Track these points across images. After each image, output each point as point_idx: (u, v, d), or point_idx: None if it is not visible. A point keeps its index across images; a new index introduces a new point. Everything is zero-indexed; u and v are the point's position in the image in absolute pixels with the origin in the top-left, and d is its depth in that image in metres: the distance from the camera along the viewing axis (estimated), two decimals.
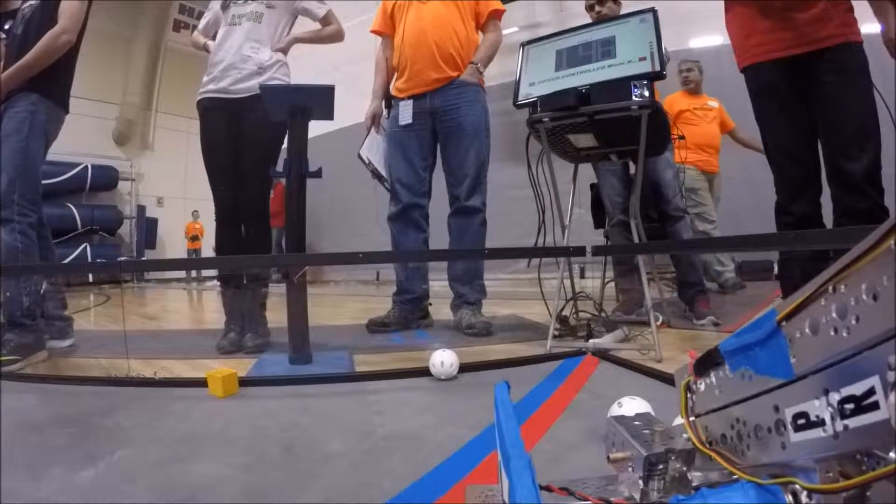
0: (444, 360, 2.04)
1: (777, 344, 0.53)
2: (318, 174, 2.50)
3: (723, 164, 5.13)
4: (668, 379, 1.88)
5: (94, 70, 10.07)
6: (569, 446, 1.32)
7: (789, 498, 0.55)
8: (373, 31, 3.52)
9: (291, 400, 1.91)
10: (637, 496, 0.68)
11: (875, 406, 0.42)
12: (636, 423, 0.75)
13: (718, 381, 0.64)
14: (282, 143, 2.85)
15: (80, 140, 9.09)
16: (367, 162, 3.35)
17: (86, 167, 10.37)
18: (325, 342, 2.69)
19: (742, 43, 2.49)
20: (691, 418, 0.70)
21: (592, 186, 3.55)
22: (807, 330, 0.49)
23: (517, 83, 2.84)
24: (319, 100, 2.48)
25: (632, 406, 1.28)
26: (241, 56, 2.89)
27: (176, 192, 12.86)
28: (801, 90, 2.35)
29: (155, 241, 12.42)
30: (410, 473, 1.18)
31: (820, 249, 2.28)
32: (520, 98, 2.78)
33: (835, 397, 0.46)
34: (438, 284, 3.55)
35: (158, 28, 12.87)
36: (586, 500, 0.70)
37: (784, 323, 0.53)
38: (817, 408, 0.48)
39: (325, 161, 2.57)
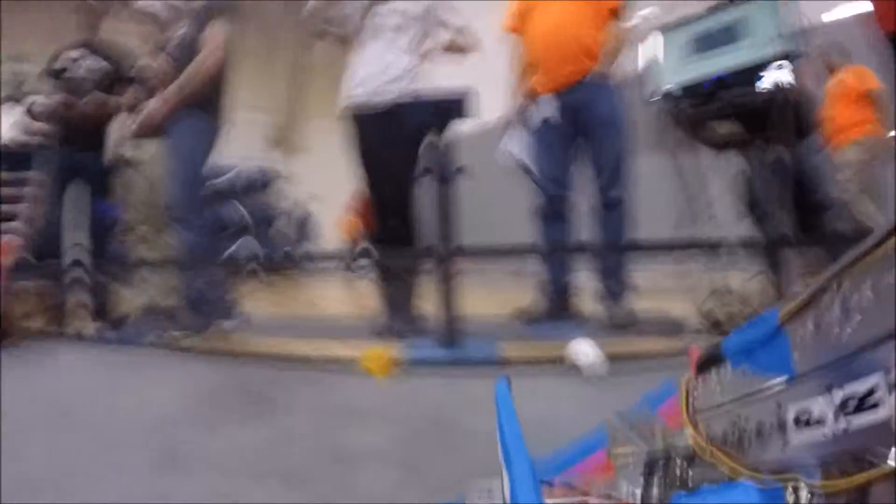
0: (586, 352, 2.10)
1: (779, 342, 0.53)
2: (463, 171, 2.62)
3: None
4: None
5: (250, 82, 10.74)
6: None
7: (790, 496, 0.54)
8: (505, 30, 3.55)
9: (441, 380, 2.06)
10: (638, 493, 0.68)
11: (877, 405, 0.43)
12: (638, 419, 0.75)
13: (720, 379, 0.64)
14: (422, 143, 2.95)
15: (240, 145, 9.79)
16: (512, 156, 3.39)
17: (245, 168, 11.19)
18: (472, 330, 2.73)
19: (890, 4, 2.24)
20: (693, 415, 0.69)
21: (743, 176, 3.44)
22: (809, 329, 0.50)
23: (654, 71, 2.77)
24: (459, 104, 2.64)
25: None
26: (382, 62, 3.05)
27: (326, 189, 13.64)
28: None
29: (308, 235, 13.28)
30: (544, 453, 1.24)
31: None
32: (653, 86, 2.74)
33: (837, 396, 0.46)
34: (583, 276, 3.52)
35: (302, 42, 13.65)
36: (588, 496, 0.71)
37: (786, 322, 0.53)
38: (819, 406, 0.49)
39: (465, 158, 2.70)
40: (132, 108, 3.80)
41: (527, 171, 3.41)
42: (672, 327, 2.92)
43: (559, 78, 3.22)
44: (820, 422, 0.48)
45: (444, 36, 3.28)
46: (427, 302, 3.05)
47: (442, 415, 1.61)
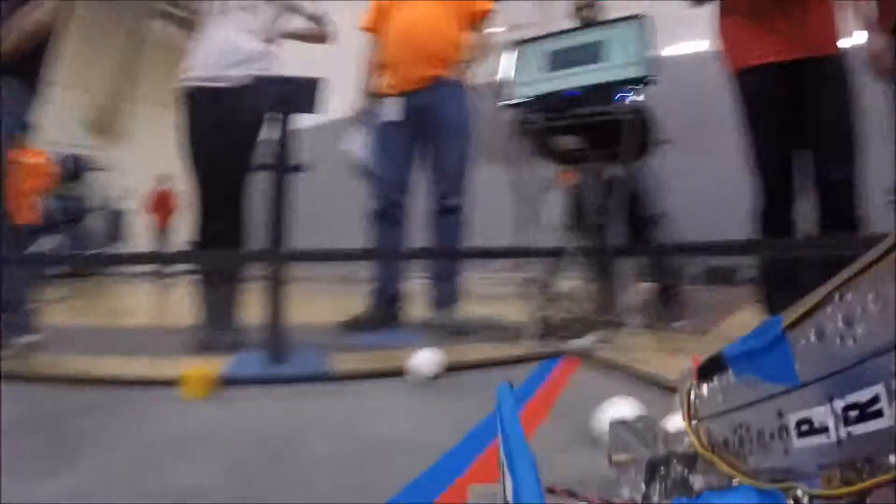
0: (426, 360, 2.02)
1: (782, 350, 0.53)
2: (302, 168, 2.45)
3: (690, 167, 5.19)
4: (649, 379, 1.91)
5: (71, 58, 9.79)
6: (556, 449, 1.31)
7: (791, 501, 0.55)
8: (363, 28, 3.49)
9: (270, 401, 1.88)
10: (639, 499, 0.68)
11: (879, 413, 0.42)
12: (639, 425, 0.75)
13: (722, 386, 0.64)
14: (259, 134, 2.81)
15: (52, 126, 8.90)
16: (353, 157, 3.33)
17: (56, 154, 10.15)
18: (301, 340, 2.57)
19: (736, 47, 2.52)
20: (694, 422, 0.69)
21: (572, 189, 3.51)
22: (812, 337, 0.49)
23: (508, 82, 2.85)
24: (307, 92, 2.43)
25: (622, 406, 1.27)
26: (228, 43, 2.84)
27: (149, 185, 12.74)
28: (789, 97, 2.37)
29: (121, 234, 12.24)
30: (399, 477, 1.16)
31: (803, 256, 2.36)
32: (507, 97, 2.80)
33: (839, 404, 0.46)
34: (415, 283, 3.53)
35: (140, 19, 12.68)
36: (589, 501, 0.70)
37: (789, 330, 0.53)
38: (821, 414, 0.48)
39: (304, 156, 2.54)
40: None
41: (365, 172, 3.35)
42: (508, 333, 2.95)
43: (409, 80, 3.19)
44: (822, 430, 0.49)
45: (297, 22, 3.12)
46: (253, 312, 2.79)
47: (275, 441, 1.45)
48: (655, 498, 0.67)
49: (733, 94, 2.62)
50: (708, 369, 0.67)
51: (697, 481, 0.67)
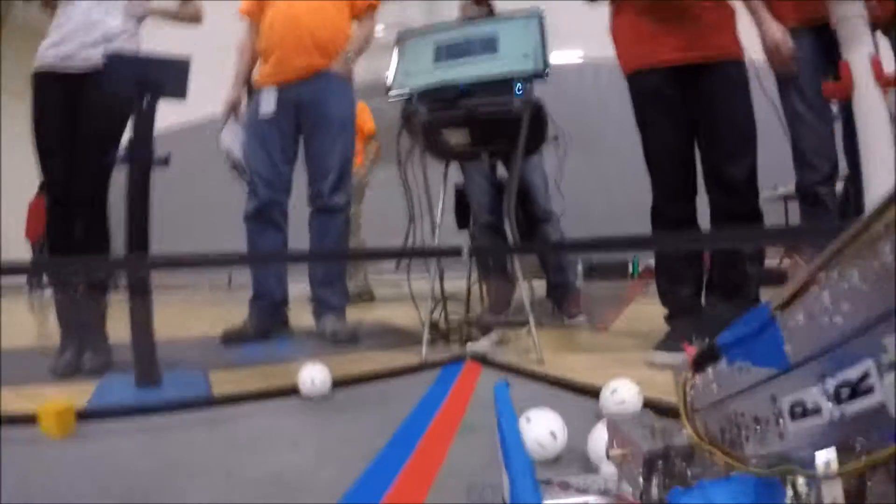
0: (314, 377, 1.84)
1: (771, 334, 0.54)
2: (165, 161, 2.26)
3: (579, 164, 5.34)
4: (555, 382, 1.88)
5: None
6: (479, 465, 1.18)
7: (789, 488, 0.55)
8: (241, 12, 3.35)
9: (139, 435, 1.64)
10: (637, 493, 0.69)
11: (870, 390, 0.43)
12: (634, 420, 0.76)
13: (715, 376, 0.65)
14: (126, 124, 2.57)
15: None
16: (227, 153, 3.15)
17: None
18: (176, 358, 2.44)
19: (630, 48, 2.54)
20: (690, 414, 0.70)
21: (457, 186, 3.51)
22: (801, 318, 0.50)
23: (392, 73, 2.75)
24: (173, 74, 2.25)
25: (541, 418, 1.21)
26: (88, 21, 2.59)
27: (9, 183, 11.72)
28: (684, 97, 2.43)
29: None
30: None
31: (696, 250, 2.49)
32: (394, 89, 2.70)
33: (830, 384, 0.47)
34: (297, 288, 3.41)
35: None
36: (586, 494, 0.71)
37: (778, 313, 0.53)
38: (814, 395, 0.49)
39: (178, 155, 2.38)
40: None
41: (240, 169, 3.20)
42: (400, 338, 2.98)
43: (287, 70, 3.09)
44: (815, 411, 0.49)
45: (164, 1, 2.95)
46: (118, 326, 2.54)
47: (145, 489, 1.24)
48: (654, 492, 0.67)
49: (630, 93, 2.66)
50: (702, 359, 0.67)
51: (695, 473, 0.68)
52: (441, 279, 2.95)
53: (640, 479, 0.67)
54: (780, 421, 0.53)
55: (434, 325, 2.84)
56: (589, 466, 0.86)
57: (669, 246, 2.62)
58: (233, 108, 3.24)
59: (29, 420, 1.70)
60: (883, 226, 0.40)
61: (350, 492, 1.12)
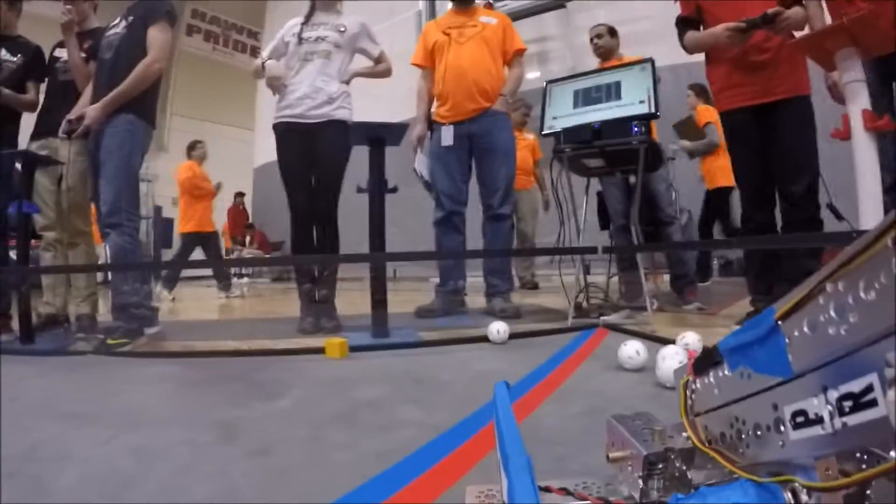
0: (499, 328, 2.48)
1: (775, 342, 0.51)
2: (394, 190, 2.82)
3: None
4: (661, 339, 2.25)
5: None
6: (596, 373, 1.88)
7: (789, 496, 0.53)
8: (414, 64, 3.83)
9: (394, 358, 2.31)
10: (637, 495, 0.65)
11: (873, 403, 0.40)
12: (636, 422, 0.73)
13: (717, 381, 0.62)
14: (347, 161, 3.21)
15: None
16: (420, 175, 3.67)
17: None
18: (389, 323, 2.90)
19: (722, 92, 2.87)
20: (691, 417, 0.68)
21: (598, 194, 3.83)
22: (805, 328, 0.48)
23: (542, 115, 3.30)
24: (394, 131, 2.82)
25: (632, 343, 1.85)
26: (314, 88, 3.18)
27: None
28: (762, 131, 2.74)
29: (171, 241, 12.94)
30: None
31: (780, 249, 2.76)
32: (545, 128, 3.25)
33: (833, 395, 0.44)
34: (472, 279, 3.90)
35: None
36: (585, 499, 0.69)
37: (782, 321, 0.51)
38: (816, 405, 0.46)
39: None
40: (34, 106, 3.54)
41: (429, 187, 3.68)
42: (552, 317, 3.35)
43: (461, 112, 3.53)
44: (816, 421, 0.46)
45: (367, 63, 3.47)
46: (350, 303, 3.27)
47: (412, 375, 1.95)
48: (653, 495, 0.65)
49: (722, 127, 2.99)
50: (703, 363, 0.65)
51: (695, 477, 0.65)
52: (586, 272, 3.23)
53: (640, 482, 0.65)
54: (782, 429, 0.51)
55: (578, 306, 3.19)
56: (589, 471, 0.83)
57: (746, 246, 3.05)
58: (419, 142, 3.70)
59: (311, 352, 2.37)
60: (890, 240, 0.39)
61: (515, 385, 1.61)
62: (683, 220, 4.05)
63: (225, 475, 1.11)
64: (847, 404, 0.43)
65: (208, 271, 8.85)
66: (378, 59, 3.46)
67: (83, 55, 3.31)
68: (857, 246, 0.42)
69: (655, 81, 2.98)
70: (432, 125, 3.72)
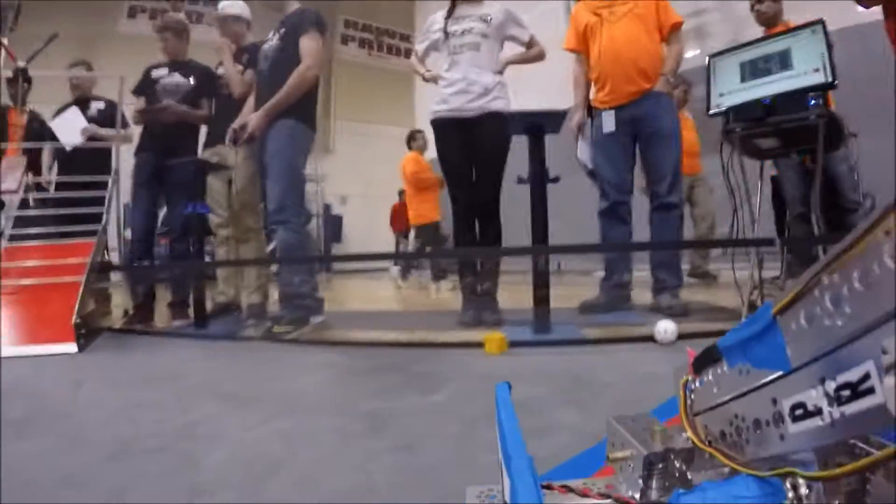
0: (667, 328, 2.37)
1: (773, 337, 0.52)
2: (556, 180, 2.77)
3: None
4: None
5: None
6: None
7: (789, 489, 0.54)
8: (567, 49, 3.69)
9: (554, 356, 2.31)
10: (637, 495, 0.66)
11: (871, 391, 0.41)
12: (636, 422, 0.73)
13: (716, 378, 0.63)
14: (507, 152, 3.23)
15: None
16: (583, 164, 3.58)
17: None
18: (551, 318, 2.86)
19: None
20: (690, 417, 0.68)
21: (773, 179, 3.50)
22: (802, 321, 0.49)
23: (708, 93, 2.96)
24: (551, 118, 2.81)
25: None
26: (468, 81, 3.21)
27: (357, 191, 13.36)
28: None
29: (340, 236, 13.06)
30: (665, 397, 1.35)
31: None
32: (712, 108, 2.92)
33: (831, 385, 0.45)
34: (638, 273, 3.71)
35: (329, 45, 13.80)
36: (587, 497, 0.69)
37: (779, 316, 0.51)
38: (814, 397, 0.47)
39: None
40: (207, 119, 4.01)
41: (593, 176, 3.59)
42: (723, 316, 3.14)
43: (621, 96, 3.37)
44: (815, 413, 0.47)
45: (517, 50, 3.46)
46: (511, 297, 3.30)
47: (571, 374, 1.94)
48: (654, 494, 0.65)
49: None
50: (702, 362, 0.65)
51: (696, 476, 0.65)
52: (760, 266, 3.00)
53: (640, 482, 0.66)
54: (781, 423, 0.52)
55: (752, 305, 2.88)
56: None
57: None
58: (580, 129, 3.58)
59: (468, 346, 2.44)
60: (882, 231, 0.41)
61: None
62: (867, 206, 3.60)
63: (365, 470, 1.16)
64: (845, 394, 0.44)
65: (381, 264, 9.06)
66: (529, 44, 3.45)
67: (240, 67, 3.75)
68: (850, 238, 0.43)
69: (829, 45, 2.60)
70: (592, 111, 3.60)
